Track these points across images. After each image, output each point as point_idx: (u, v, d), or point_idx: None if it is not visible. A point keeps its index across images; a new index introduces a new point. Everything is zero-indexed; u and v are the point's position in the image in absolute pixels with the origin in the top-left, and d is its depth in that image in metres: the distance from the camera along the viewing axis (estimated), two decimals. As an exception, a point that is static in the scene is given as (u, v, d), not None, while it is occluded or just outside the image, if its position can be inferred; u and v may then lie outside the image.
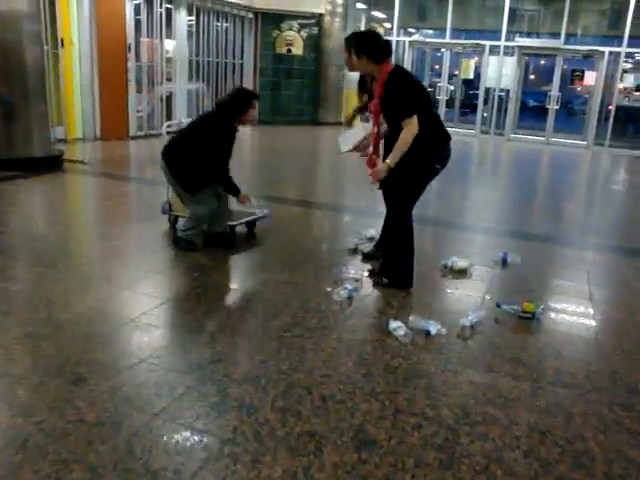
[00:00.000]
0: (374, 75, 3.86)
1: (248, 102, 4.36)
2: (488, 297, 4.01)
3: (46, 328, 3.18)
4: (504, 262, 4.73)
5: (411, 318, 3.44)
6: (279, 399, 2.60)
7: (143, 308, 3.49)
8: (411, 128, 3.67)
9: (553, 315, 3.79)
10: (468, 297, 4.01)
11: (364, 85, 4.10)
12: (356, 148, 4.18)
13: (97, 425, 2.34)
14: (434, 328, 3.36)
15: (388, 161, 3.77)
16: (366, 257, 4.60)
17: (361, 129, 4.25)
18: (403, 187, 3.89)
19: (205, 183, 4.44)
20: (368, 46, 3.78)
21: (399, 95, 3.72)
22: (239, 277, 4.32)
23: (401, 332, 3.29)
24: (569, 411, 2.65)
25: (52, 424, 2.33)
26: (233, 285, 4.18)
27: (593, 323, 3.71)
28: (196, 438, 2.31)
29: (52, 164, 7.88)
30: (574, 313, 3.89)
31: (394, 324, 3.36)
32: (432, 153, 3.86)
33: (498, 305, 3.77)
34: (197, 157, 4.39)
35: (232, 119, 4.37)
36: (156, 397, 2.58)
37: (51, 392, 2.56)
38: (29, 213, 5.90)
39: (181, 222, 4.78)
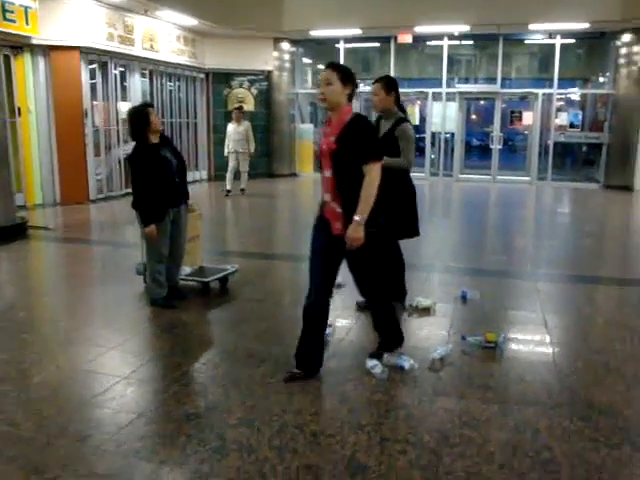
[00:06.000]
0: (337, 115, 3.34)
1: (146, 115, 4.76)
2: (453, 331, 4.33)
3: (42, 391, 3.33)
4: (464, 298, 5.09)
5: (386, 356, 3.71)
6: (274, 438, 2.83)
7: (133, 366, 3.68)
8: (376, 175, 3.21)
9: (514, 343, 4.12)
10: (435, 333, 4.32)
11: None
12: None
13: (108, 477, 2.52)
14: (407, 363, 3.64)
15: (357, 218, 3.19)
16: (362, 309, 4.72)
17: None
18: (372, 257, 3.48)
19: (159, 205, 4.74)
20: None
21: (367, 134, 3.29)
22: (220, 330, 4.53)
23: (378, 370, 3.56)
24: (535, 427, 2.96)
25: None
26: (215, 338, 4.38)
27: (550, 348, 4.05)
28: (204, 480, 2.51)
29: (16, 232, 7.94)
30: (532, 340, 4.24)
31: (370, 363, 3.63)
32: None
33: (463, 338, 4.09)
34: (141, 185, 4.75)
35: (145, 137, 4.76)
36: (160, 446, 2.77)
37: (60, 450, 2.73)
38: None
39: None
